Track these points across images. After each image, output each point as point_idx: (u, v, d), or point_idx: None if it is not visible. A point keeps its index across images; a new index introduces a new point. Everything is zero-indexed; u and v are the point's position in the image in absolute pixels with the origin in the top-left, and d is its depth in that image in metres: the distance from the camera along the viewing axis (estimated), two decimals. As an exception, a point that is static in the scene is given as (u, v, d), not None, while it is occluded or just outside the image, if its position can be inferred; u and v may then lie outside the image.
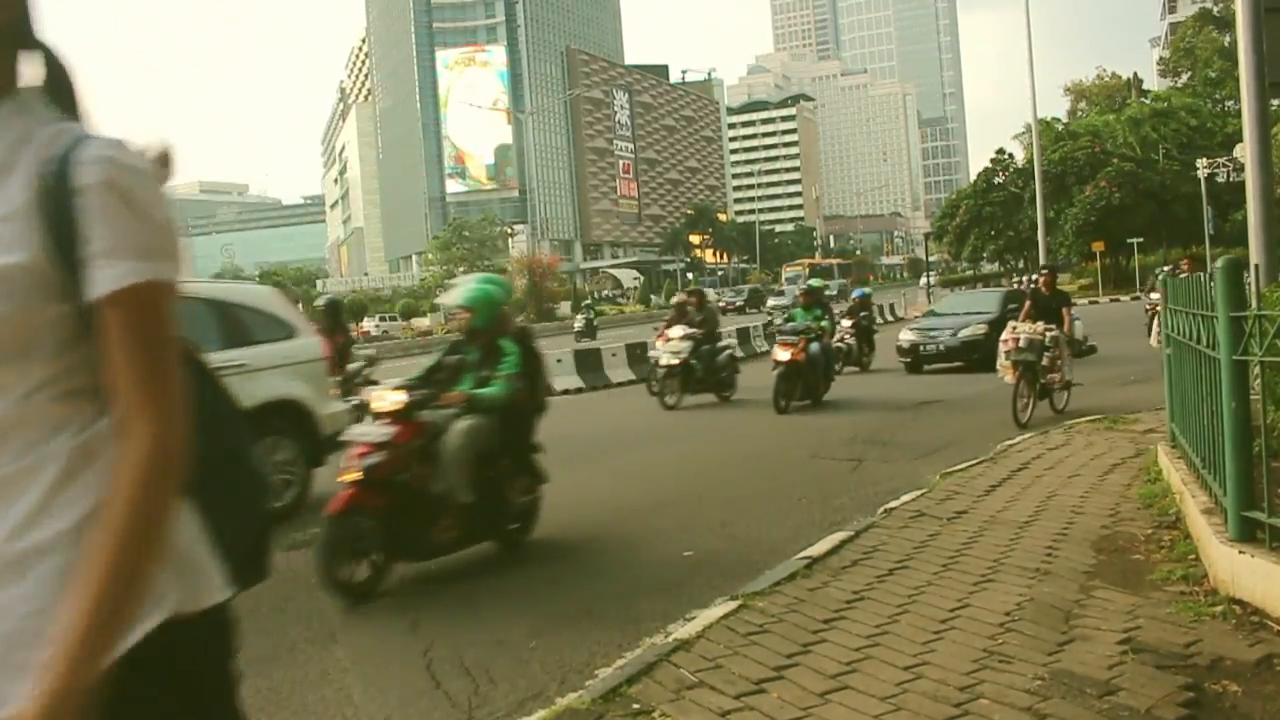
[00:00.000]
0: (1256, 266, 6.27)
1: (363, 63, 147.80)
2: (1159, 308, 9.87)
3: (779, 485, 7.91)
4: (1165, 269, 15.97)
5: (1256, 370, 4.30)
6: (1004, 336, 10.41)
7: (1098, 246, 45.04)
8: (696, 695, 3.58)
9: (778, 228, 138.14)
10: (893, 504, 6.48)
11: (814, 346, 12.82)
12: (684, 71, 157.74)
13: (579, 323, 37.96)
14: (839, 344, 16.80)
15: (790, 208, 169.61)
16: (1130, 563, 4.88)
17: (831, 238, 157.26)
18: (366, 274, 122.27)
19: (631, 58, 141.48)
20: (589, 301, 40.05)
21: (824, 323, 13.48)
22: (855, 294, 21.15)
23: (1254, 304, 4.34)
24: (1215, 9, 61.97)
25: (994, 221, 54.45)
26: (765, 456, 9.37)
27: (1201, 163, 39.37)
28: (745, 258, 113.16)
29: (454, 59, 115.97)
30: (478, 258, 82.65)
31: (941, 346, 16.90)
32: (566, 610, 4.94)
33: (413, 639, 4.69)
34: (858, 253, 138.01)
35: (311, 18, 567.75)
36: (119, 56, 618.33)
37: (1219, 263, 4.37)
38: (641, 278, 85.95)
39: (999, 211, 54.29)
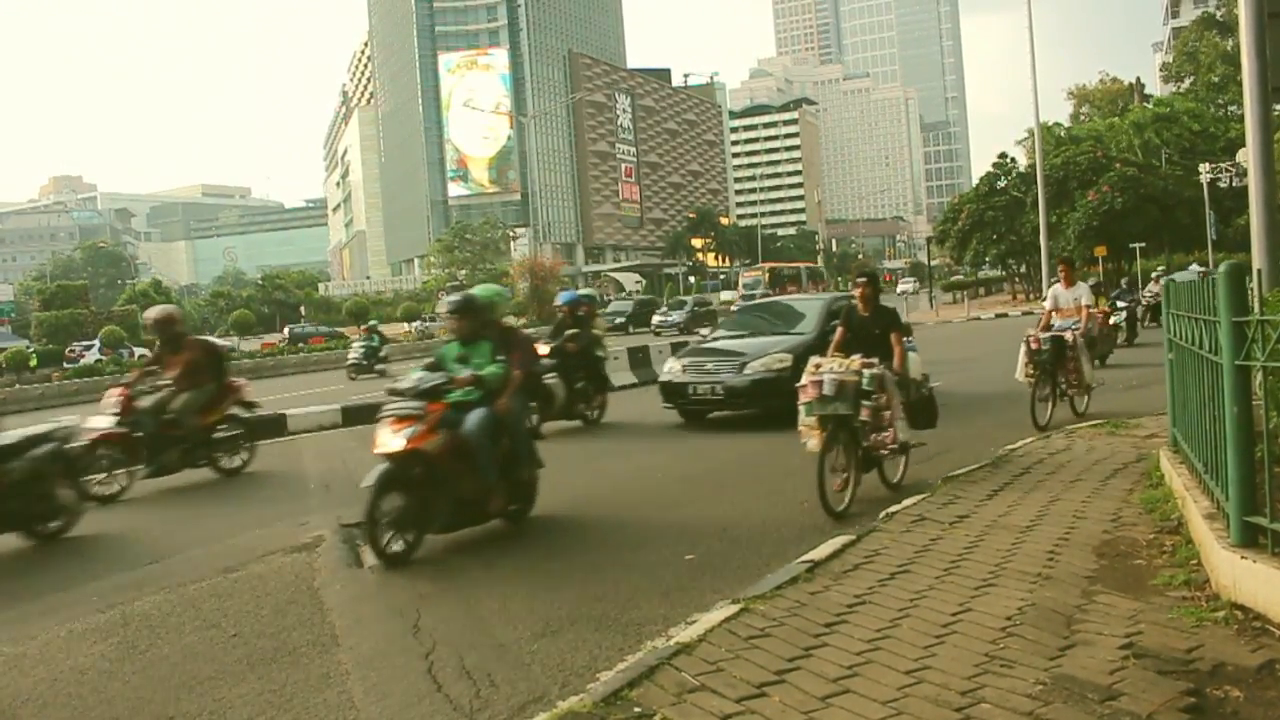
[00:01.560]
0: (1259, 271, 6.26)
1: (365, 66, 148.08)
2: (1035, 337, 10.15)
3: (780, 489, 7.91)
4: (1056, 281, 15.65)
5: (1259, 375, 4.29)
6: (803, 380, 7.06)
7: (1100, 251, 45.00)
8: (698, 699, 3.58)
9: (780, 231, 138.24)
10: (894, 508, 6.47)
11: (470, 421, 6.61)
12: (686, 75, 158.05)
13: (355, 351, 27.61)
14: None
15: (792, 211, 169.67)
16: (1132, 568, 4.88)
17: (834, 241, 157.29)
18: (368, 277, 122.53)
19: (634, 61, 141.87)
20: (373, 321, 30.78)
21: (490, 369, 6.90)
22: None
23: (1256, 309, 4.33)
24: (1218, 14, 62.04)
25: (996, 226, 54.36)
26: (767, 460, 9.36)
27: (1204, 167, 39.41)
28: (747, 261, 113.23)
29: (456, 62, 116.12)
30: (480, 261, 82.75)
31: (720, 388, 11.43)
32: (568, 613, 4.94)
33: (414, 642, 4.70)
34: (860, 256, 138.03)
35: (314, 21, 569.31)
36: (121, 60, 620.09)
37: (1221, 268, 4.37)
38: (644, 281, 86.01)
39: (1001, 216, 54.21)
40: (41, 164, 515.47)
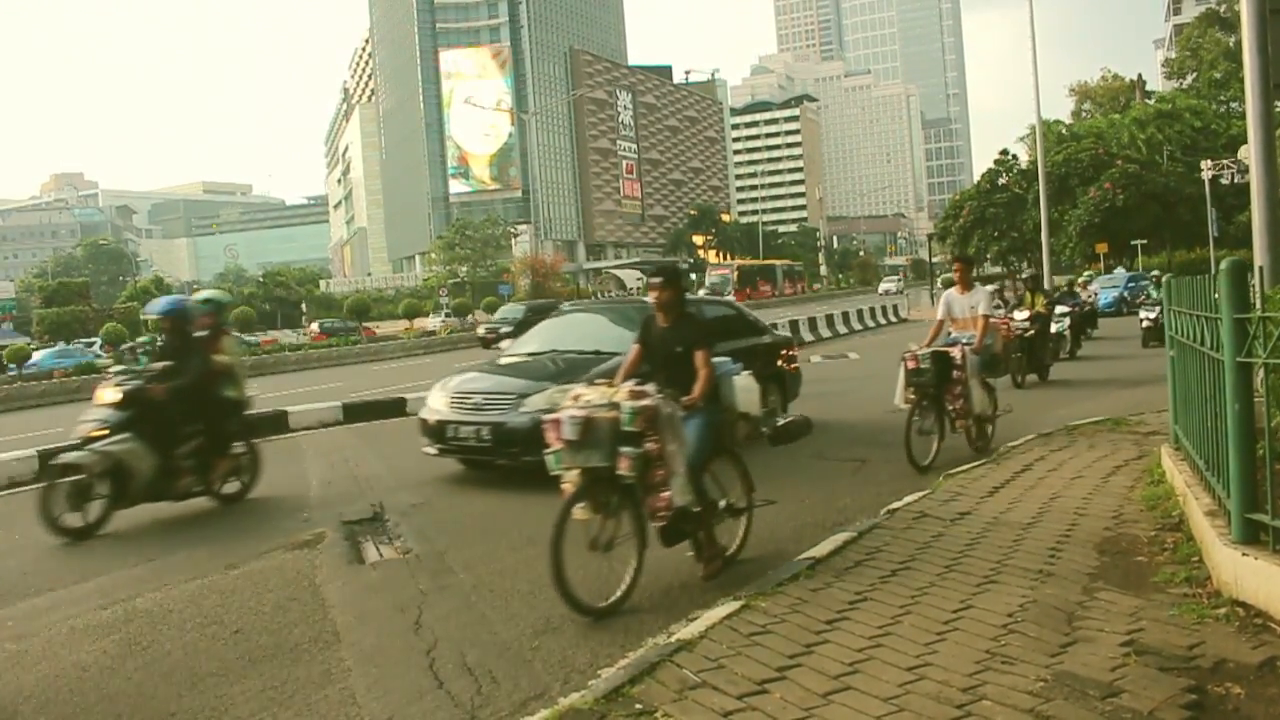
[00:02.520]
0: (1261, 269, 6.26)
1: (366, 63, 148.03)
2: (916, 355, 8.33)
3: (782, 486, 7.90)
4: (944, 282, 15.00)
5: (1260, 372, 4.29)
6: (555, 413, 5.12)
7: (1101, 248, 45.01)
8: (699, 695, 3.59)
9: (781, 228, 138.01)
10: (896, 505, 6.48)
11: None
12: (687, 72, 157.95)
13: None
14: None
15: (794, 208, 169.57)
16: (1133, 565, 4.88)
17: (835, 238, 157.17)
18: (370, 274, 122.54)
19: (635, 58, 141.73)
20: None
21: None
22: None
23: (1258, 306, 4.33)
24: (1221, 9, 61.95)
25: (997, 223, 54.42)
26: (768, 456, 9.35)
27: (1206, 164, 39.37)
28: (748, 258, 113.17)
29: (457, 59, 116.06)
30: (481, 258, 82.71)
31: (488, 431, 8.50)
32: (569, 610, 4.94)
33: (416, 639, 4.70)
34: (861, 254, 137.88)
35: (315, 18, 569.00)
36: (122, 57, 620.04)
37: (1223, 264, 4.36)
38: (645, 278, 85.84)
39: (1002, 213, 54.25)
40: (43, 161, 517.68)
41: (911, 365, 8.29)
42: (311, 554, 6.56)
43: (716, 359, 5.71)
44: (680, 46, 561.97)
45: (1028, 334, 14.41)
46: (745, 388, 5.87)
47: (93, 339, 43.49)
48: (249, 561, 6.44)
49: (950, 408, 8.52)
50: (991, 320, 9.17)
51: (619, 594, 4.96)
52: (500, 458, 8.61)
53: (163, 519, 8.16)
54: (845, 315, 32.55)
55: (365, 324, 50.48)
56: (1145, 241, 43.42)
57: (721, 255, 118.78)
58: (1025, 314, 14.88)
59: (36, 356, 36.74)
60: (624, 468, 4.91)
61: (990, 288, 15.08)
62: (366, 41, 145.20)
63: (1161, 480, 6.47)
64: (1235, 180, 38.02)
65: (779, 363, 11.35)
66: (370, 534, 7.03)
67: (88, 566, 6.69)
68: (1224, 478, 4.45)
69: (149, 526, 7.95)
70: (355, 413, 14.43)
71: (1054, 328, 17.00)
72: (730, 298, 66.75)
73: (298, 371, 31.22)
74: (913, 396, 8.25)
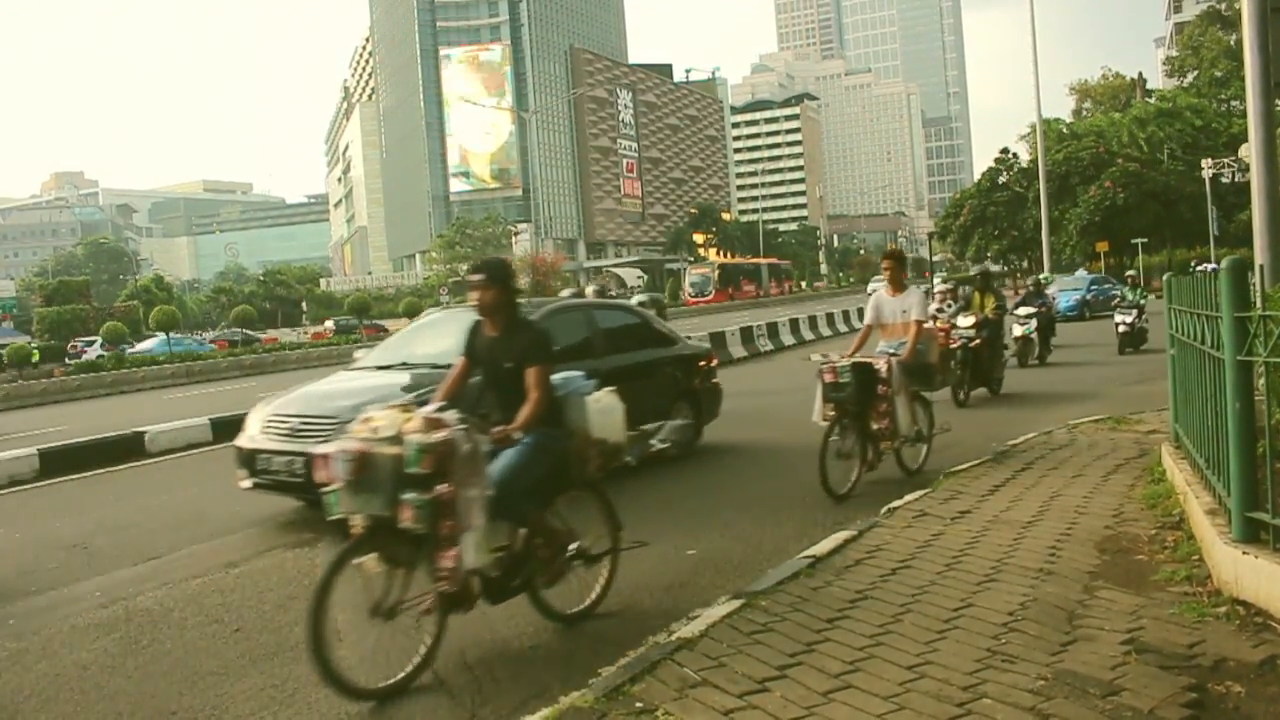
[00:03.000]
0: (1261, 267, 6.26)
1: (366, 62, 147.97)
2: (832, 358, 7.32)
3: (782, 484, 7.91)
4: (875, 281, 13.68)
5: (1260, 371, 4.29)
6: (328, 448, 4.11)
7: (1102, 247, 45.00)
8: (700, 694, 3.59)
9: (781, 227, 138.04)
10: (896, 503, 6.48)
11: None
12: (688, 70, 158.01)
13: None
14: None
15: (794, 207, 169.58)
16: (1133, 563, 4.88)
17: (835, 237, 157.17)
18: (370, 273, 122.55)
19: (635, 56, 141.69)
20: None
21: None
22: None
23: (1259, 305, 4.33)
24: (1222, 8, 61.92)
25: (998, 221, 54.44)
26: (768, 455, 9.37)
27: (1206, 163, 39.38)
28: (734, 256, 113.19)
29: (458, 58, 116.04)
30: (481, 257, 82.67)
31: (302, 464, 6.82)
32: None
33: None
34: (861, 252, 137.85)
35: (315, 17, 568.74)
36: (122, 56, 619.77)
37: (1224, 263, 4.36)
38: (645, 276, 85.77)
39: (1003, 211, 54.28)
40: (43, 160, 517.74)
41: (829, 378, 7.25)
42: (312, 552, 6.56)
43: (569, 374, 4.88)
44: (681, 45, 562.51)
45: (973, 343, 12.44)
46: (603, 409, 4.79)
47: (93, 338, 43.53)
48: (250, 560, 6.44)
49: (875, 427, 7.40)
50: (926, 326, 8.02)
51: (406, 671, 4.04)
52: (309, 492, 6.02)
53: (164, 514, 8.16)
54: (846, 314, 32.20)
55: (376, 323, 50.99)
56: (1146, 240, 43.39)
57: (722, 254, 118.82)
58: (970, 320, 12.81)
59: (148, 344, 40.19)
60: (406, 518, 3.93)
61: (940, 287, 14.43)
62: (367, 40, 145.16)
63: (1162, 479, 6.47)
64: (1236, 179, 38.03)
65: (694, 379, 9.98)
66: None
67: (88, 565, 6.69)
68: (1224, 476, 4.45)
69: (150, 522, 7.95)
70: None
71: (1019, 330, 15.92)
72: (710, 296, 64.89)
73: (298, 370, 31.24)
74: (831, 414, 7.21)
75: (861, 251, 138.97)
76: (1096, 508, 6.06)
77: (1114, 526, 5.58)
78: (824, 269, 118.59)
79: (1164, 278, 7.27)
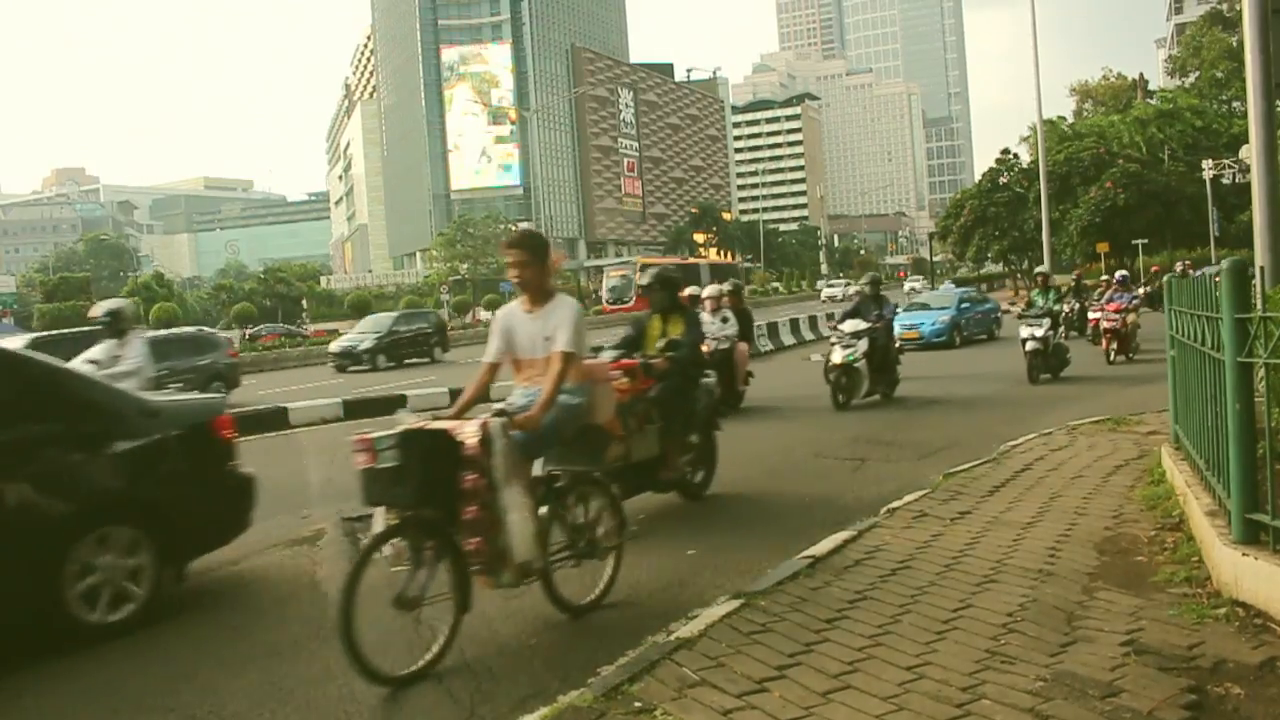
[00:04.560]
0: (1262, 268, 6.25)
1: (368, 60, 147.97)
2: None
3: (782, 484, 7.91)
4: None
5: (1261, 372, 4.29)
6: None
7: (1102, 248, 44.99)
8: (699, 693, 3.58)
9: (782, 227, 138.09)
10: (895, 504, 6.47)
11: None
12: (689, 70, 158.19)
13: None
14: None
15: (795, 207, 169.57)
16: (1133, 564, 4.88)
17: (836, 237, 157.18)
18: (370, 271, 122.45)
19: (636, 56, 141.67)
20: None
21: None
22: None
23: (1259, 306, 4.32)
24: (1224, 9, 61.91)
25: (998, 222, 54.37)
26: (768, 455, 9.36)
27: (1207, 164, 39.37)
28: (749, 256, 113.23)
29: (459, 57, 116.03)
30: (482, 255, 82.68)
31: None
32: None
33: (415, 636, 4.69)
34: (862, 252, 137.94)
35: (317, 14, 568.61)
36: (123, 52, 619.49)
37: (1224, 264, 4.35)
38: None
39: (1004, 212, 54.21)
40: (44, 156, 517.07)
41: (364, 462, 4.27)
42: (311, 550, 6.56)
43: None
44: (682, 44, 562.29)
45: (647, 394, 6.92)
46: None
47: (95, 335, 43.49)
48: (249, 557, 6.44)
49: (465, 545, 4.28)
50: (591, 363, 5.56)
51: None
52: None
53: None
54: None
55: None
56: (1146, 241, 43.38)
57: (723, 253, 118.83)
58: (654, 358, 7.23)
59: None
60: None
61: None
62: (368, 38, 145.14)
63: (1162, 480, 6.46)
64: (1236, 180, 38.04)
65: (158, 474, 5.55)
66: (370, 531, 7.01)
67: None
68: (1224, 477, 4.45)
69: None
70: (356, 409, 14.43)
71: (837, 356, 12.28)
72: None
73: (299, 368, 31.23)
74: (391, 520, 4.24)
75: (862, 252, 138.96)
76: (1096, 509, 6.05)
77: (1114, 528, 5.58)
78: (824, 269, 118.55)
79: (1164, 279, 7.27)
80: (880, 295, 13.52)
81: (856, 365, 12.27)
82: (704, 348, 8.69)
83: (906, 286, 70.70)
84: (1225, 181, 39.71)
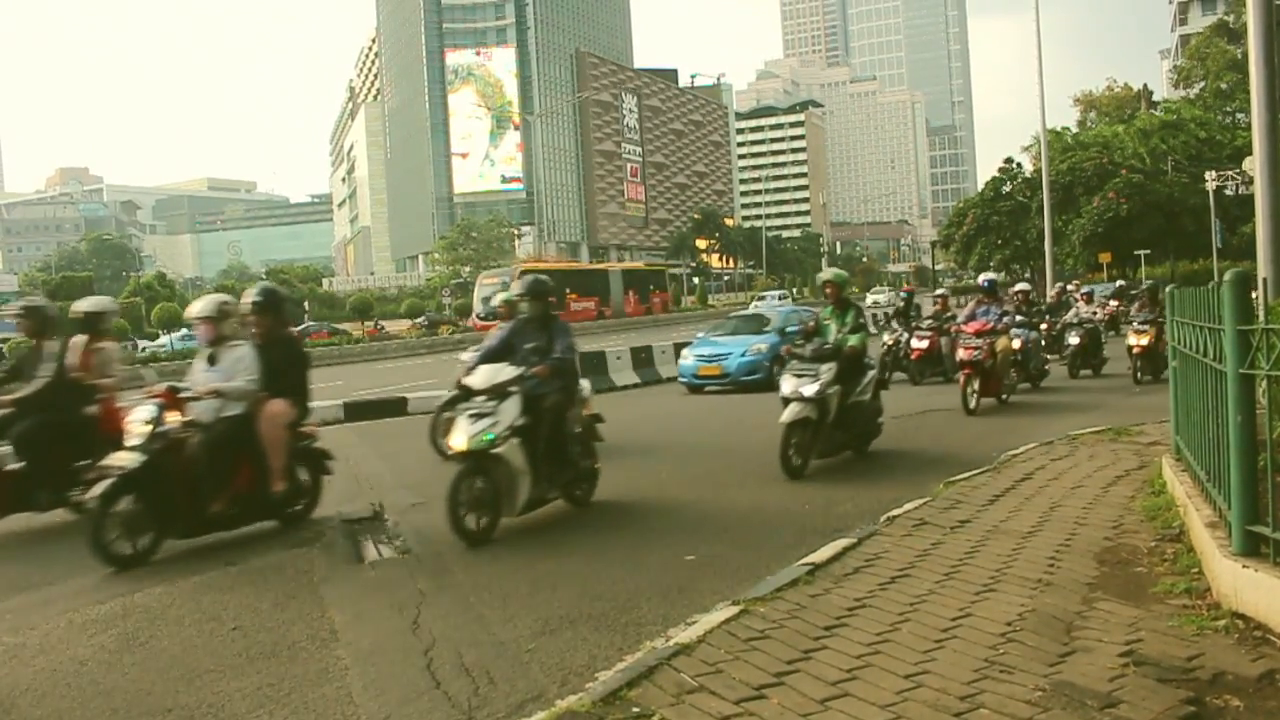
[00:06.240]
0: (1264, 280, 6.26)
1: (372, 62, 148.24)
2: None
3: (781, 490, 7.91)
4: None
5: (1263, 384, 4.29)
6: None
7: (1104, 258, 44.98)
8: (697, 700, 3.58)
9: (785, 234, 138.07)
10: (895, 512, 6.46)
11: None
12: (693, 76, 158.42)
13: None
14: None
15: (797, 214, 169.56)
16: (1133, 575, 4.87)
17: (839, 244, 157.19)
18: (373, 273, 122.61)
19: (640, 61, 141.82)
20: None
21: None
22: None
23: (1261, 318, 4.32)
24: (1230, 20, 61.91)
25: (1001, 231, 54.32)
26: (768, 462, 9.34)
27: (1210, 175, 39.33)
28: (751, 263, 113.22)
29: (464, 60, 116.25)
30: (484, 259, 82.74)
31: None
32: (567, 613, 4.94)
33: (413, 639, 4.70)
34: (864, 259, 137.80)
35: (322, 17, 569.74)
36: (128, 53, 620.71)
37: (1227, 276, 4.36)
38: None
39: (1006, 221, 54.16)
40: (48, 156, 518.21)
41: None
42: (310, 552, 6.56)
43: None
44: (686, 50, 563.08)
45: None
46: None
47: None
48: (248, 558, 6.44)
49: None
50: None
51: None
52: None
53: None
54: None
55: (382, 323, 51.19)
56: (1149, 251, 43.36)
57: (725, 260, 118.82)
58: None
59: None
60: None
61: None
62: (373, 41, 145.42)
63: (1162, 491, 6.46)
64: (1240, 191, 37.97)
65: None
66: (369, 533, 7.03)
67: (86, 561, 6.68)
68: (1225, 489, 4.44)
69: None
70: (356, 411, 14.44)
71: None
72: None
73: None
74: None
75: (864, 259, 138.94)
76: (1096, 519, 6.05)
77: (1113, 538, 5.57)
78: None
79: (1167, 290, 7.27)
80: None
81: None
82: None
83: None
84: (1229, 193, 39.63)
